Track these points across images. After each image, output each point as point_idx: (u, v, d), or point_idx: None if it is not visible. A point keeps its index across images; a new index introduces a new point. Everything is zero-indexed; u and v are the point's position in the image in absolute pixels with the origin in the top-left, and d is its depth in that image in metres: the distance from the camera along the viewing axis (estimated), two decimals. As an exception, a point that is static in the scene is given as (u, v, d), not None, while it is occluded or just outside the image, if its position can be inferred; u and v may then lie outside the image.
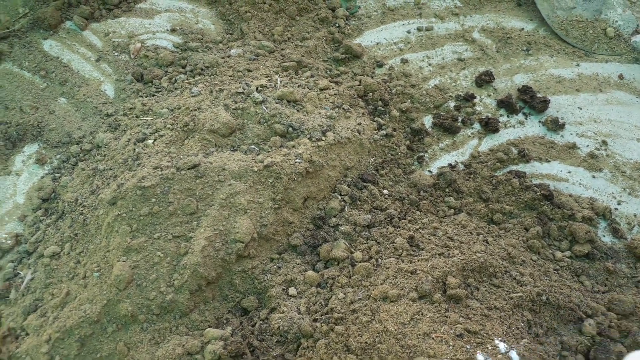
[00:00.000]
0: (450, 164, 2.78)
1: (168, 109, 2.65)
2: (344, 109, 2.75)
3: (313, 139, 2.51)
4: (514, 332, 2.01)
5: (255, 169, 2.32)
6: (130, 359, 2.07)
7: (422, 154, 2.83)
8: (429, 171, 2.78)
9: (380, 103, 2.92)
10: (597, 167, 2.78)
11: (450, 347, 1.82)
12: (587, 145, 2.87)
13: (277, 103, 2.60)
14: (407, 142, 2.86)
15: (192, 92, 2.70)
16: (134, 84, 3.03)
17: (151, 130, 2.54)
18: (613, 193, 2.70)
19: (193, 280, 2.12)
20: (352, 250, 2.32)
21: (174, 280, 2.12)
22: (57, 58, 3.14)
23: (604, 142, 2.87)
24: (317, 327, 2.03)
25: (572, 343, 2.15)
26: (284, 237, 2.38)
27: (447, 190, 2.66)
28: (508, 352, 1.86)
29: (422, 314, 1.95)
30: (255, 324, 2.12)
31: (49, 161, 2.75)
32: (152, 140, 2.47)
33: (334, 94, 2.83)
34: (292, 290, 2.21)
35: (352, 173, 2.63)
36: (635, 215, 2.63)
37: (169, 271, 2.14)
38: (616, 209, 2.65)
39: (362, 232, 2.40)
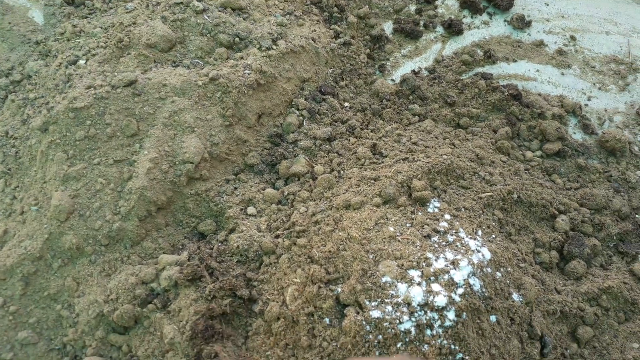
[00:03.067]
0: (413, 70, 2.61)
1: (101, 28, 2.40)
2: (295, 15, 2.53)
3: (263, 48, 2.30)
4: (485, 230, 1.92)
5: (200, 82, 2.12)
6: (80, 293, 1.92)
7: (383, 62, 2.65)
8: (392, 80, 2.61)
9: (335, 9, 2.70)
10: (565, 63, 2.65)
11: (418, 248, 1.71)
12: (555, 42, 2.72)
13: (220, 11, 2.36)
14: (367, 50, 2.67)
15: (127, 9, 2.44)
16: (64, 7, 2.73)
17: (83, 52, 2.29)
18: (583, 89, 2.59)
19: (141, 206, 1.95)
20: (313, 164, 2.17)
21: (119, 207, 1.95)
22: (-24, -14, 2.82)
23: (572, 38, 2.73)
24: (278, 242, 1.90)
25: (545, 239, 2.08)
26: (239, 157, 2.21)
27: (411, 97, 2.50)
28: (479, 249, 1.77)
29: (386, 218, 1.84)
30: (214, 246, 1.98)
31: (-25, 97, 2.50)
32: (85, 61, 2.23)
33: (284, 0, 2.60)
34: (251, 210, 2.07)
35: (310, 86, 2.44)
36: (605, 110, 2.53)
37: (113, 198, 1.96)
38: (586, 104, 2.55)
39: (322, 145, 2.25)
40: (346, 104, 2.46)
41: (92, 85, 2.05)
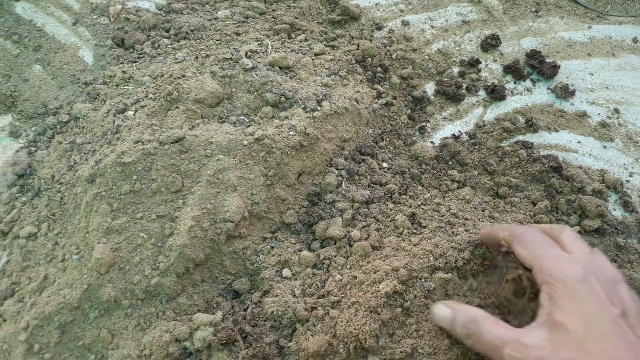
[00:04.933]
0: (453, 135, 2.61)
1: (150, 76, 2.45)
2: (340, 75, 2.56)
3: (307, 109, 2.33)
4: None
5: (245, 142, 2.15)
6: (114, 346, 1.94)
7: (424, 124, 2.66)
8: (431, 142, 2.62)
9: (379, 69, 2.72)
10: (608, 136, 2.63)
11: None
12: (598, 114, 2.70)
13: (268, 70, 2.40)
14: (408, 111, 2.68)
15: (176, 58, 2.50)
16: (114, 49, 2.81)
17: (132, 101, 2.34)
18: (625, 164, 2.56)
19: (180, 263, 1.97)
20: (350, 229, 2.18)
21: (159, 263, 1.98)
22: (30, 21, 2.91)
23: (616, 110, 2.71)
24: (313, 312, 1.90)
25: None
26: (277, 215, 2.23)
27: (451, 162, 2.50)
28: None
29: None
30: (248, 307, 1.99)
31: (24, 134, 2.57)
32: (133, 112, 2.28)
33: (330, 60, 2.63)
34: (286, 272, 2.07)
35: (350, 145, 2.46)
36: (647, 188, 2.49)
37: (153, 253, 1.99)
38: (628, 180, 2.52)
39: (360, 208, 2.25)
40: (384, 165, 2.47)
41: (140, 140, 2.09)
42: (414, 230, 2.15)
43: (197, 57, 2.50)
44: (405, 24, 2.98)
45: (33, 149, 2.50)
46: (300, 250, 2.14)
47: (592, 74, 2.82)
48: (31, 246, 2.17)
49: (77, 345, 1.97)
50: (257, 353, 1.83)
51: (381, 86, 2.67)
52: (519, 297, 1.59)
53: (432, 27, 2.99)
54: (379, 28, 2.96)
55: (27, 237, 2.19)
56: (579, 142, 2.60)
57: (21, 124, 2.60)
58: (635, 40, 2.95)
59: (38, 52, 2.81)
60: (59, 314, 1.96)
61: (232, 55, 2.44)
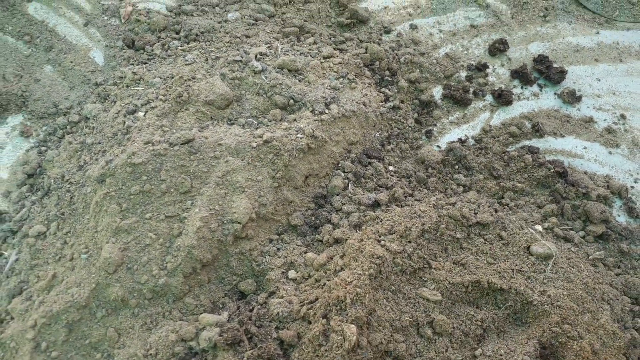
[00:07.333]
0: (460, 139, 2.63)
1: (160, 78, 2.48)
2: (349, 79, 2.57)
3: (316, 112, 2.34)
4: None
5: (254, 144, 2.17)
6: (121, 345, 1.96)
7: (430, 127, 2.67)
8: (438, 146, 2.63)
9: (387, 72, 2.74)
10: (614, 142, 2.63)
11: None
12: (605, 120, 2.71)
13: (277, 72, 2.42)
14: (415, 115, 2.70)
15: (186, 60, 2.52)
16: (124, 50, 2.84)
17: (142, 102, 2.37)
18: (630, 170, 2.56)
19: (187, 263, 1.99)
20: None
21: (166, 263, 2.00)
22: (42, 22, 2.94)
23: (623, 116, 2.71)
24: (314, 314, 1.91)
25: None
26: (284, 216, 2.25)
27: (457, 166, 2.52)
28: None
29: None
30: (253, 308, 2.01)
31: (34, 133, 2.60)
32: (143, 113, 2.30)
33: (339, 63, 2.65)
34: (292, 274, 2.09)
35: (357, 148, 2.47)
36: (653, 195, 2.50)
37: (161, 253, 2.01)
38: (632, 187, 2.52)
39: (366, 211, 2.27)
40: (391, 168, 2.48)
41: (151, 141, 2.11)
42: None
43: (207, 59, 2.52)
44: (413, 27, 3.00)
45: (43, 148, 2.53)
46: (306, 252, 2.16)
47: (599, 80, 2.82)
48: (40, 245, 2.20)
49: (84, 343, 1.99)
50: (262, 354, 1.84)
51: (389, 90, 2.68)
52: None
53: (441, 31, 3.00)
54: (388, 32, 2.98)
55: (36, 236, 2.22)
56: (585, 148, 2.61)
57: (32, 124, 2.63)
58: (643, 46, 2.96)
59: (49, 52, 2.84)
60: (67, 313, 1.98)
61: (242, 57, 2.46)
